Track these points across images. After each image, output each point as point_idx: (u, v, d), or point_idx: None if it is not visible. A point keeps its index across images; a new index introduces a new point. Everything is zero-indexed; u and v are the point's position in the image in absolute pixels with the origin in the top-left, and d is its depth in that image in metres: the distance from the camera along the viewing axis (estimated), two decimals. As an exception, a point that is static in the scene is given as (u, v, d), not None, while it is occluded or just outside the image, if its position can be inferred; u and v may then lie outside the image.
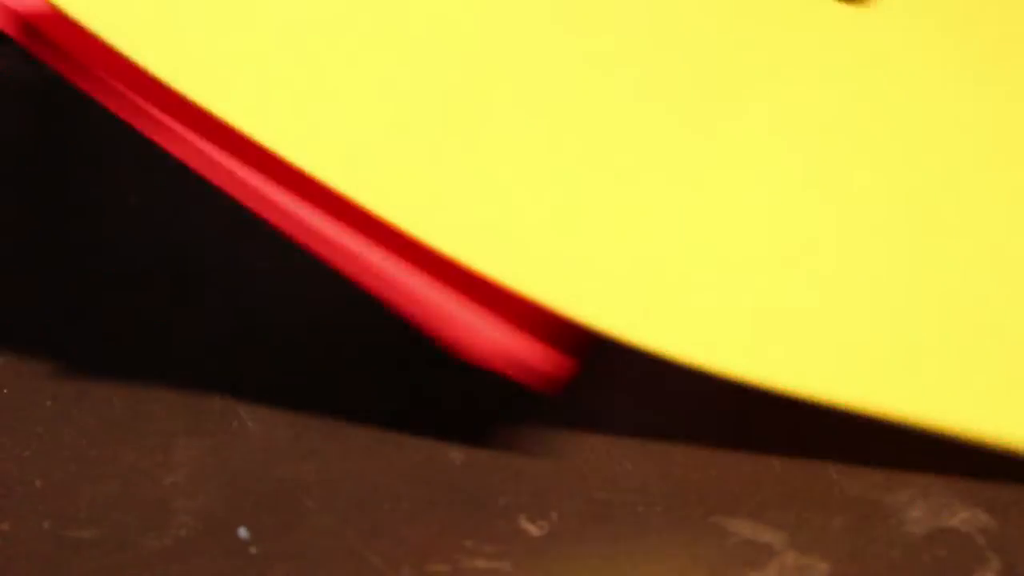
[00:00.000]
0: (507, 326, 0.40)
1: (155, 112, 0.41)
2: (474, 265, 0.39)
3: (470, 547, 0.42)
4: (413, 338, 0.43)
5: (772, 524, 0.43)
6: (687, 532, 0.42)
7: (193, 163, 0.42)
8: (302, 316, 0.50)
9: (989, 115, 0.41)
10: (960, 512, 0.43)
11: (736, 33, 0.43)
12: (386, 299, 0.41)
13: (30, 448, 0.45)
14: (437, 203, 0.40)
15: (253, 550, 0.42)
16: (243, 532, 0.42)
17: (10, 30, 0.43)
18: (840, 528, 0.43)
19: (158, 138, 0.42)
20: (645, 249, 0.40)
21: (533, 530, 0.42)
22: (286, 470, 0.44)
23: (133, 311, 0.50)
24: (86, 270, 0.52)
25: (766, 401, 0.42)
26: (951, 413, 0.41)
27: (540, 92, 0.40)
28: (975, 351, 0.41)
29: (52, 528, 0.42)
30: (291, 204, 0.40)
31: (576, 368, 0.42)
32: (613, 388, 0.47)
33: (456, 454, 0.45)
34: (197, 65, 0.40)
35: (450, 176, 0.40)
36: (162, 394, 0.46)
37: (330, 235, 0.41)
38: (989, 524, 0.43)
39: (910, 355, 0.40)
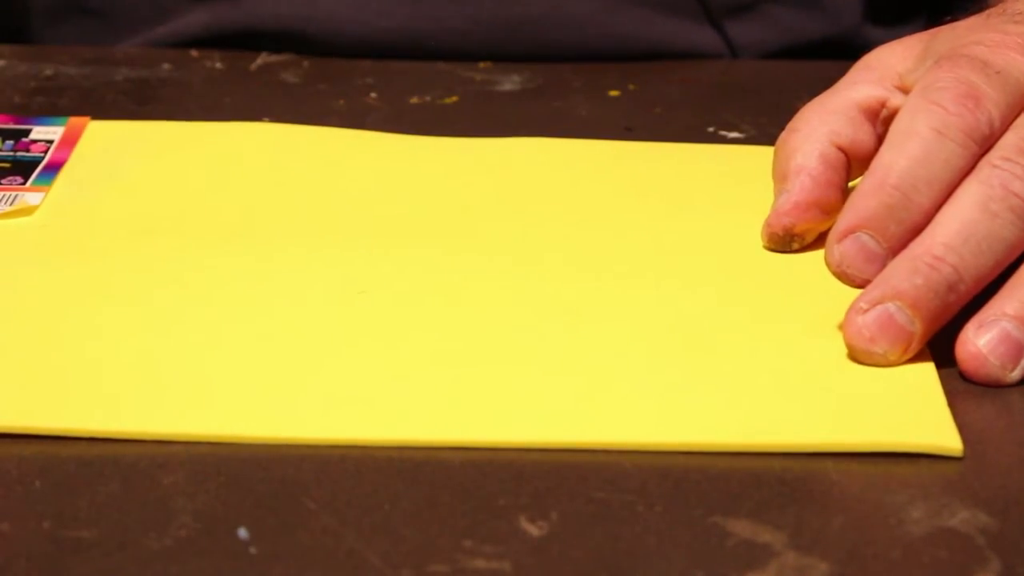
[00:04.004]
0: None
1: None
2: None
3: (470, 547, 0.42)
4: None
5: (772, 524, 0.43)
6: (687, 532, 0.42)
7: None
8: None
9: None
10: (960, 512, 0.43)
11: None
12: None
13: (30, 448, 0.45)
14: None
15: (253, 550, 0.41)
16: (243, 532, 0.42)
17: None
18: (840, 528, 0.43)
19: None
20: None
21: (533, 530, 0.42)
22: (286, 470, 0.44)
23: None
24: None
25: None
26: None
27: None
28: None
29: (52, 528, 0.42)
30: None
31: None
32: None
33: (456, 454, 0.45)
34: None
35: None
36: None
37: None
38: (989, 524, 0.43)
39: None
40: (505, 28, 0.72)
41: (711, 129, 0.64)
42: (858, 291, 0.49)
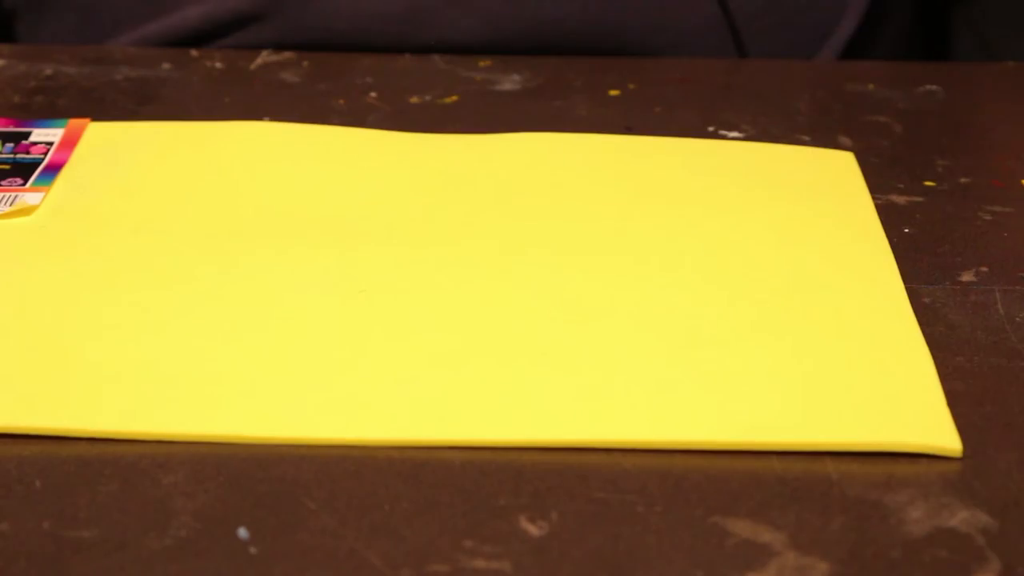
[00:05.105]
0: None
1: None
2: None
3: (470, 547, 0.42)
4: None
5: (772, 524, 0.43)
6: (687, 532, 0.42)
7: None
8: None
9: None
10: (960, 512, 0.43)
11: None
12: None
13: (30, 448, 0.45)
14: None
15: (253, 550, 0.42)
16: (243, 532, 0.42)
17: None
18: (840, 528, 0.43)
19: None
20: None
21: (533, 530, 0.42)
22: (286, 470, 0.44)
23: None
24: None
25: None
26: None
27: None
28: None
29: (52, 528, 0.42)
30: None
31: None
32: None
33: (456, 454, 0.45)
34: None
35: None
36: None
37: None
38: (989, 524, 0.43)
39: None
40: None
41: (711, 128, 0.64)
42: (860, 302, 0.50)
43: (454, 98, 0.67)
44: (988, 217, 0.58)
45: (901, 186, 0.60)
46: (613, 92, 0.68)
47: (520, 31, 0.72)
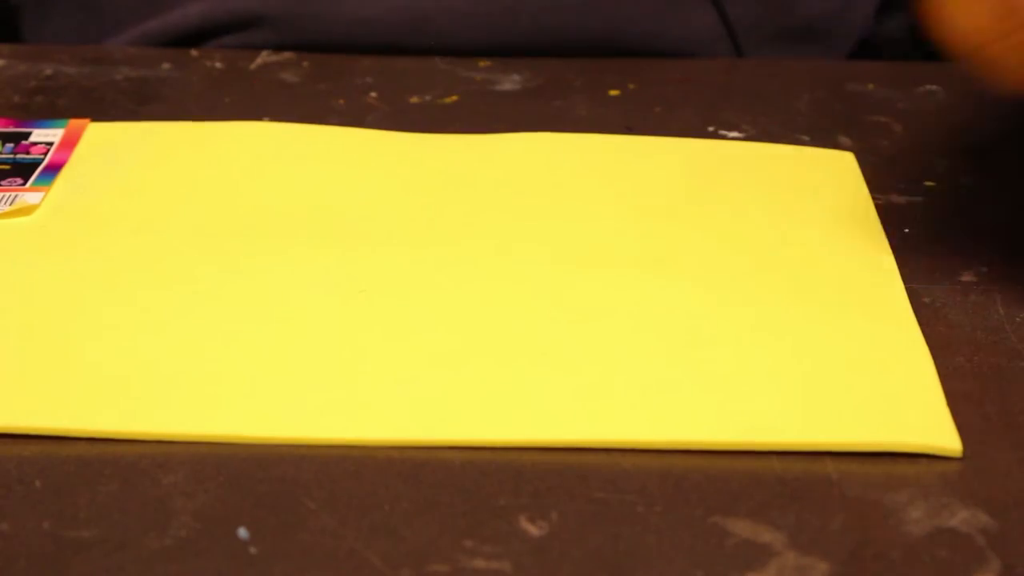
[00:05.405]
0: None
1: None
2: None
3: (470, 547, 0.42)
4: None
5: (772, 524, 0.43)
6: (687, 532, 0.42)
7: None
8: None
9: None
10: (960, 512, 0.43)
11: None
12: None
13: (30, 448, 0.45)
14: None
15: (253, 550, 0.42)
16: (243, 532, 0.42)
17: None
18: (840, 528, 0.43)
19: None
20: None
21: (533, 530, 0.42)
22: (286, 470, 0.44)
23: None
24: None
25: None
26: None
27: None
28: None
29: (52, 528, 0.42)
30: None
31: None
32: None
33: (456, 454, 0.45)
34: None
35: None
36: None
37: None
38: (989, 524, 0.43)
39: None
40: (504, 10, 0.72)
41: (711, 128, 0.64)
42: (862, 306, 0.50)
43: (454, 98, 0.67)
44: (988, 217, 0.58)
45: (901, 186, 0.60)
46: (613, 92, 0.68)
47: (519, 40, 0.72)
